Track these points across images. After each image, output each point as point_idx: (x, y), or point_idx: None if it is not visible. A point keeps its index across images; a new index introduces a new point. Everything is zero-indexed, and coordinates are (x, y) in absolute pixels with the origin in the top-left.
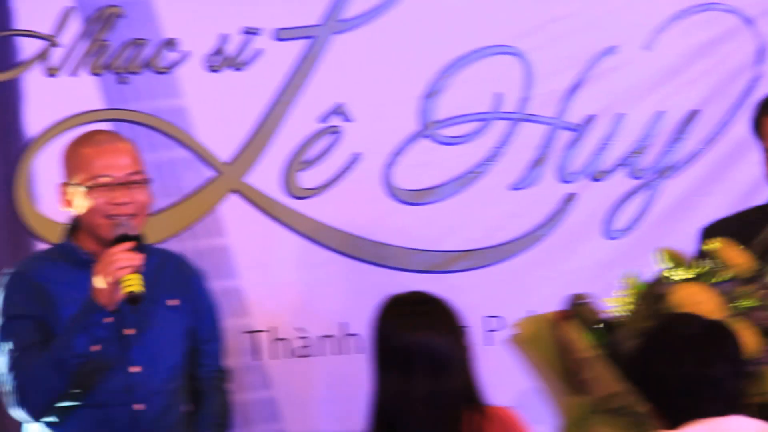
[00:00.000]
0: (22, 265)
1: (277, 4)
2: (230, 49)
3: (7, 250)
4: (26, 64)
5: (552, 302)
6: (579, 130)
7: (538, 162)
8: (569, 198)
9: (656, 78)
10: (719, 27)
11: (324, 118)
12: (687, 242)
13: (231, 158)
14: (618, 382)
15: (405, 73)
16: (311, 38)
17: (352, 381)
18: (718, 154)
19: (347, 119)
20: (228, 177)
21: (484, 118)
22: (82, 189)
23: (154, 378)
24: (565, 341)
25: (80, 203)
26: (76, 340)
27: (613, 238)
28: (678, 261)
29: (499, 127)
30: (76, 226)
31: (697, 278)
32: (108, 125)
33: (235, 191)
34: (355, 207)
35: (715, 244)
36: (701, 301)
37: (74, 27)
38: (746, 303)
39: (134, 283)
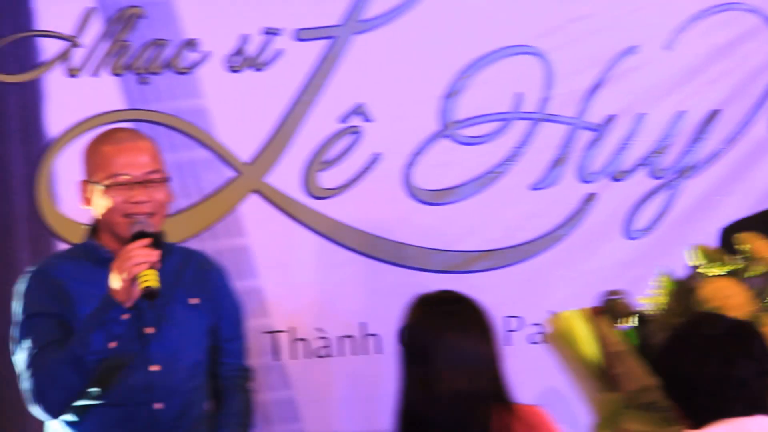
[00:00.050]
0: (43, 264)
1: (297, 5)
2: (251, 49)
3: (28, 249)
4: (47, 64)
5: (572, 302)
6: (599, 130)
7: (558, 162)
8: (589, 198)
9: (677, 78)
10: (740, 27)
11: (344, 118)
12: (707, 242)
13: (251, 158)
14: (649, 377)
15: (425, 72)
16: (332, 38)
17: (372, 381)
18: (739, 154)
19: (367, 119)
20: (248, 177)
21: (505, 118)
22: (101, 187)
23: (174, 377)
24: (598, 336)
25: (99, 201)
26: (93, 337)
27: (633, 238)
28: (712, 257)
29: (519, 127)
30: (98, 225)
31: (729, 274)
32: (129, 125)
33: (255, 191)
34: (375, 207)
35: (747, 240)
36: (730, 296)
37: (95, 27)
38: None
39: (150, 279)
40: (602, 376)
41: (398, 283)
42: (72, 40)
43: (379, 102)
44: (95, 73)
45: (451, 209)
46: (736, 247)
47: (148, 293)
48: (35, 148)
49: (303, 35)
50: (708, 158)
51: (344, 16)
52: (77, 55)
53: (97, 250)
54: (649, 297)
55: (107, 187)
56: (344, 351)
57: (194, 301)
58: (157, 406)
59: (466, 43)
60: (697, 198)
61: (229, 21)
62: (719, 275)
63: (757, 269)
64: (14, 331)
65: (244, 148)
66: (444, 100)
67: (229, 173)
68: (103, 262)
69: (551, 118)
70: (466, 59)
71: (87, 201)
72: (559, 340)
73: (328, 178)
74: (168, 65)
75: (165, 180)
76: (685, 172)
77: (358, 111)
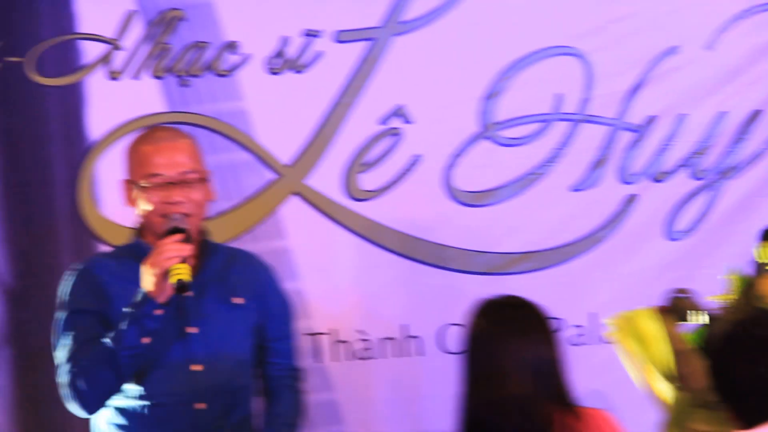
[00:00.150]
0: (87, 262)
1: (337, 6)
2: (291, 51)
3: (71, 252)
4: (89, 67)
5: (613, 304)
6: (640, 130)
7: (599, 163)
8: (630, 199)
9: (718, 78)
10: None
11: (384, 120)
12: (748, 243)
13: (292, 160)
14: None
15: (465, 74)
16: (372, 40)
17: (413, 383)
18: None
19: (407, 121)
20: (289, 179)
21: (545, 119)
22: (140, 187)
23: (216, 377)
24: (666, 335)
25: (139, 201)
26: (126, 333)
27: (674, 240)
28: None
29: (559, 128)
30: (143, 225)
31: None
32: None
33: (295, 193)
34: (415, 209)
35: None
36: None
37: (136, 30)
38: None
39: (182, 272)
40: (671, 375)
41: (439, 285)
42: (113, 43)
43: (419, 103)
44: (136, 76)
45: (491, 211)
46: None
47: (180, 286)
48: (77, 150)
49: (343, 37)
50: (749, 159)
51: (384, 18)
52: (118, 58)
53: (141, 248)
54: (717, 294)
55: (145, 187)
56: (385, 353)
57: (238, 300)
58: (199, 406)
59: (506, 44)
60: (738, 199)
61: (269, 23)
62: None
63: None
64: (55, 327)
65: (284, 151)
66: (484, 102)
67: (270, 175)
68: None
69: (592, 119)
70: (506, 60)
71: (129, 200)
72: (627, 338)
73: (368, 180)
74: (208, 68)
75: (202, 180)
76: (726, 172)
77: (399, 113)
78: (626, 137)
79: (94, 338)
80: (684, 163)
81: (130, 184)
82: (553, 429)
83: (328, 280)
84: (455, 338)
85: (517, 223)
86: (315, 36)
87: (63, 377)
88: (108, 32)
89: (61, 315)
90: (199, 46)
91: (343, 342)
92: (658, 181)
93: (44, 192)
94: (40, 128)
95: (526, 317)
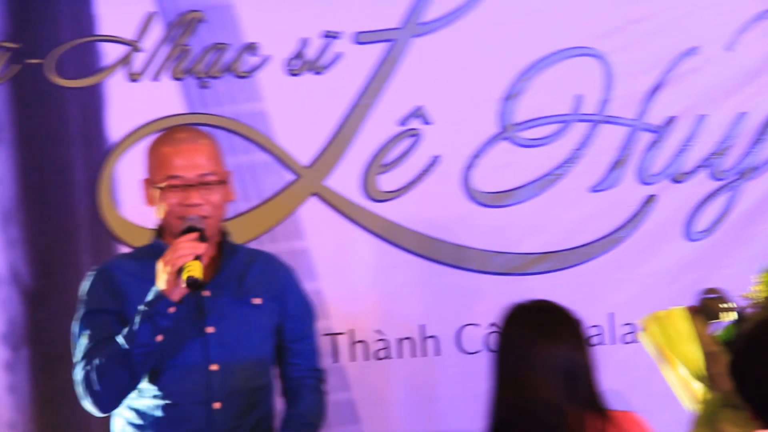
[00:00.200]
0: (107, 262)
1: (357, 8)
2: (310, 52)
3: (90, 253)
4: (109, 69)
5: (632, 304)
6: (659, 131)
7: (618, 164)
8: (649, 200)
9: (738, 79)
10: None
11: (403, 121)
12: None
13: (311, 162)
14: None
15: (484, 75)
16: (391, 41)
17: (430, 383)
18: None
19: (426, 122)
20: (308, 180)
21: (564, 120)
22: (158, 188)
23: (233, 377)
24: (697, 335)
25: (158, 202)
26: (139, 330)
27: (694, 240)
28: None
29: (579, 129)
30: (163, 226)
31: None
32: None
33: (314, 194)
34: (434, 209)
35: None
36: None
37: (156, 32)
38: None
39: (194, 269)
40: (702, 375)
41: (457, 285)
42: (133, 45)
43: (438, 104)
44: (156, 78)
45: (510, 211)
46: None
47: (191, 283)
48: (96, 152)
49: (362, 38)
50: None
51: (404, 19)
52: (138, 60)
53: (160, 248)
54: (749, 293)
55: (163, 188)
56: (403, 353)
57: (257, 301)
58: (216, 405)
59: (525, 45)
60: (758, 199)
61: (288, 24)
62: None
63: None
64: (74, 326)
65: (303, 152)
66: (503, 102)
67: (289, 176)
68: None
69: (611, 120)
70: (525, 61)
71: (149, 200)
72: (658, 338)
73: (387, 181)
74: (228, 69)
75: (221, 182)
76: (746, 173)
77: (418, 114)
78: (645, 138)
79: (109, 338)
80: (703, 164)
81: (150, 184)
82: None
83: (346, 280)
84: (472, 339)
85: (535, 224)
86: (334, 37)
87: (78, 376)
88: (128, 34)
89: (79, 315)
90: (219, 47)
91: (361, 342)
92: (677, 181)
93: (63, 193)
94: (59, 130)
95: (557, 322)
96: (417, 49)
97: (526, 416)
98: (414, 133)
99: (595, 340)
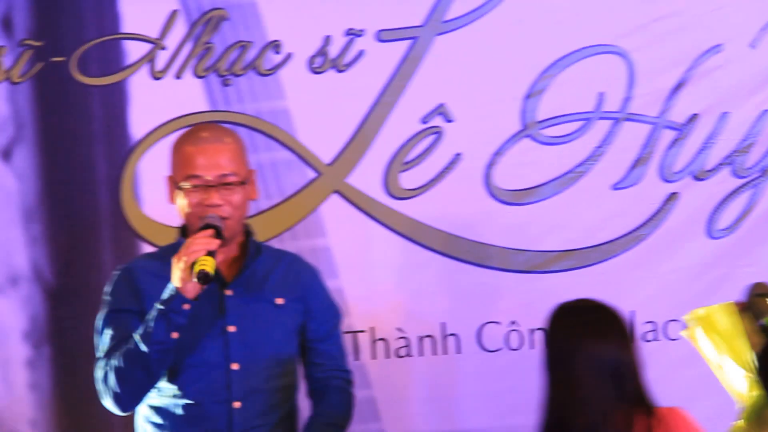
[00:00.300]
0: (131, 262)
1: (380, 6)
2: (333, 50)
3: (112, 251)
4: (132, 67)
5: (653, 302)
6: (682, 129)
7: (640, 161)
8: (672, 197)
9: (761, 76)
10: None
11: (425, 119)
12: None
13: (333, 159)
14: None
15: (507, 72)
16: (414, 39)
17: (451, 381)
18: None
19: (448, 119)
20: (329, 178)
21: (587, 118)
22: (180, 188)
23: (254, 376)
24: (744, 332)
25: (179, 201)
26: (154, 328)
27: (716, 238)
28: None
29: (601, 127)
30: (187, 224)
31: None
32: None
33: (336, 192)
34: (455, 207)
35: None
36: None
37: (180, 30)
38: None
39: (205, 264)
40: (750, 371)
41: (478, 283)
42: (156, 43)
43: (460, 102)
44: (179, 76)
45: (532, 209)
46: None
47: (201, 277)
48: (119, 150)
49: (385, 36)
50: None
51: (426, 17)
52: (161, 58)
53: None
54: None
55: (184, 188)
56: (424, 351)
57: (279, 301)
58: (236, 404)
59: (548, 42)
60: None
61: (311, 22)
62: None
63: None
64: (97, 325)
65: (325, 149)
66: (525, 100)
67: (311, 174)
68: None
69: (634, 118)
70: (548, 59)
71: (172, 198)
72: (706, 334)
73: (409, 179)
74: (251, 67)
75: (242, 183)
76: None
77: (440, 111)
78: (668, 135)
79: (129, 337)
80: (726, 162)
81: (173, 182)
82: (631, 429)
83: (367, 278)
84: (493, 336)
85: (557, 222)
86: (357, 35)
87: (97, 375)
88: (151, 32)
89: (101, 314)
90: (242, 45)
91: (382, 340)
92: (699, 179)
93: (86, 191)
94: (82, 127)
95: (602, 320)
96: (439, 47)
97: (576, 416)
98: (436, 131)
99: None
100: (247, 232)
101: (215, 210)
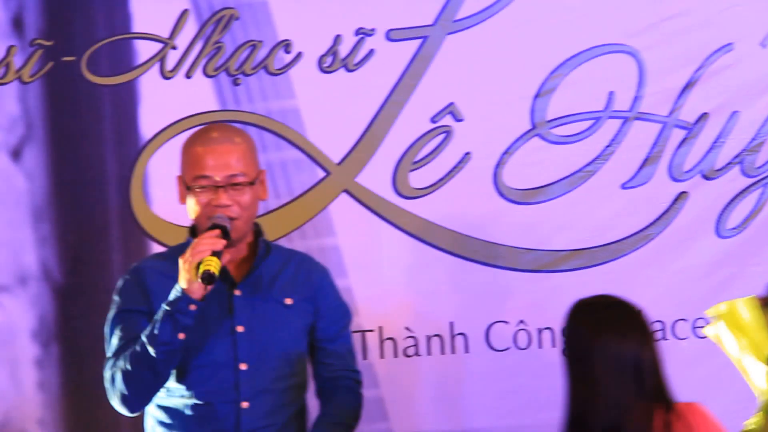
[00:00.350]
0: (140, 262)
1: (390, 5)
2: (343, 50)
3: (122, 250)
4: (143, 66)
5: (662, 301)
6: (692, 128)
7: (649, 160)
8: (681, 196)
9: None
10: None
11: (435, 118)
12: None
13: (342, 158)
14: None
15: (517, 72)
16: (424, 38)
17: (460, 381)
18: None
19: (458, 119)
20: (339, 177)
21: (596, 117)
22: (189, 188)
23: (262, 376)
24: (766, 325)
25: (189, 201)
26: (161, 328)
27: (725, 237)
28: None
29: (610, 126)
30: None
31: None
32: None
33: (346, 191)
34: (464, 206)
35: None
36: None
37: (190, 29)
38: None
39: (210, 264)
40: None
41: (488, 283)
42: (167, 43)
43: (470, 101)
44: (189, 75)
45: (541, 208)
46: None
47: (205, 277)
48: (129, 149)
49: (395, 35)
50: None
51: (436, 16)
52: (171, 57)
53: None
54: None
55: (193, 188)
56: (432, 350)
57: (288, 301)
58: (244, 404)
59: (557, 42)
60: None
61: (321, 22)
62: None
63: None
64: (106, 325)
65: (335, 149)
66: (535, 99)
67: (321, 173)
68: None
69: (643, 117)
70: (558, 58)
71: (181, 198)
72: (727, 328)
73: (418, 178)
74: (261, 66)
75: (251, 183)
76: None
77: (449, 110)
78: (678, 135)
79: (137, 338)
80: (735, 161)
81: (182, 182)
82: (651, 425)
83: (376, 277)
84: (502, 336)
85: (566, 221)
86: (367, 35)
87: (105, 375)
88: (162, 31)
89: (111, 314)
90: (252, 44)
91: (390, 339)
92: (708, 178)
93: (96, 190)
94: (92, 127)
95: (622, 317)
96: (449, 46)
97: (596, 412)
98: (445, 130)
99: None
100: (257, 232)
101: (224, 210)
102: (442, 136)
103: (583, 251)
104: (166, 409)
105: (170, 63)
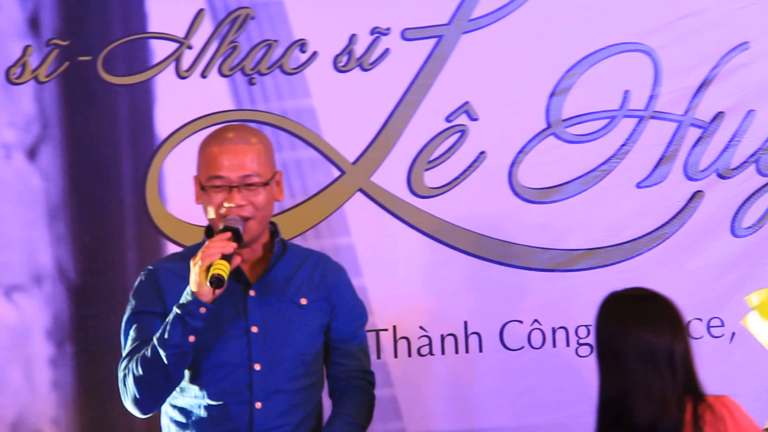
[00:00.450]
0: (156, 263)
1: (405, 4)
2: (358, 49)
3: (137, 250)
4: (158, 66)
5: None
6: (707, 127)
7: (665, 159)
8: (696, 195)
9: None
10: None
11: (450, 117)
12: None
13: (357, 158)
14: None
15: (532, 71)
16: (439, 37)
17: (473, 380)
18: None
19: (473, 118)
20: (354, 176)
21: (612, 116)
22: (204, 187)
23: (275, 377)
24: None
25: (204, 200)
26: (171, 331)
27: (740, 236)
28: None
29: (626, 125)
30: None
31: None
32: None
33: (361, 191)
34: (479, 205)
35: None
36: None
37: (206, 29)
38: None
39: (220, 268)
40: None
41: (502, 282)
42: (183, 42)
43: (485, 100)
44: (204, 75)
45: (556, 207)
46: None
47: (213, 281)
48: (145, 149)
49: (410, 35)
50: None
51: (452, 15)
52: (187, 57)
53: None
54: None
55: (208, 188)
56: (446, 350)
57: (304, 301)
58: (257, 405)
59: (573, 41)
60: None
61: (337, 21)
62: None
63: None
64: (121, 327)
65: (350, 148)
66: (550, 98)
67: (336, 173)
68: None
69: (659, 116)
70: (573, 57)
71: (197, 198)
72: (762, 318)
73: (433, 177)
74: (276, 66)
75: (265, 184)
76: None
77: (464, 109)
78: (693, 134)
79: (150, 339)
80: (751, 160)
81: (199, 182)
82: (682, 417)
83: (391, 276)
84: (516, 335)
85: (581, 220)
86: (382, 34)
87: (119, 376)
88: (177, 31)
89: (126, 316)
90: (268, 44)
91: (404, 338)
92: (724, 177)
93: (111, 190)
94: (108, 126)
95: (651, 309)
96: (465, 45)
97: (629, 405)
98: (461, 129)
99: None
100: (273, 232)
101: (237, 210)
102: (457, 135)
103: (598, 250)
104: (180, 409)
105: (186, 62)
